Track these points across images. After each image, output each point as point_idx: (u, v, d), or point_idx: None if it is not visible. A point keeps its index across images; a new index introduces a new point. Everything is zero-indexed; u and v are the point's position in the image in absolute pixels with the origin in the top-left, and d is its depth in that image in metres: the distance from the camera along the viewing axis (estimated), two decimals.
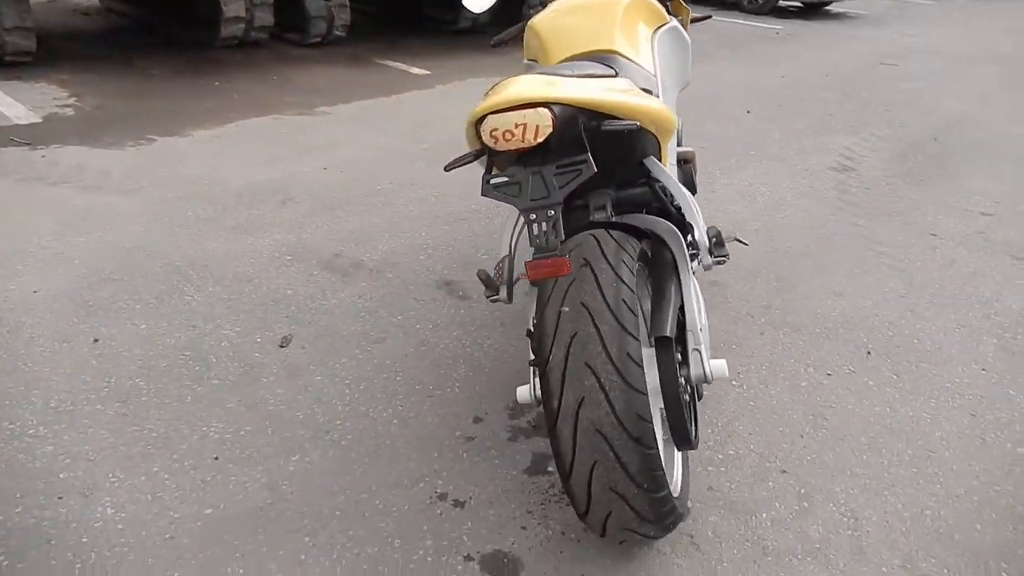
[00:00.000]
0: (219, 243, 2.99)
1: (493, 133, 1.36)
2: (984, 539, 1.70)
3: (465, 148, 1.56)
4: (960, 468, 1.91)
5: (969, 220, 3.42)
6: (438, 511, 1.75)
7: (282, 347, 2.36)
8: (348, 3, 6.06)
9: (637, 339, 1.40)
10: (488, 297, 1.79)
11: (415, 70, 5.81)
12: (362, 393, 2.15)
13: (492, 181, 1.43)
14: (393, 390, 2.17)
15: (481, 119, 1.38)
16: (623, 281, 1.44)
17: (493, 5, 2.45)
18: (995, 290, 2.79)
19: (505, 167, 1.45)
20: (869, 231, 3.27)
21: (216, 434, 1.97)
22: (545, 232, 1.38)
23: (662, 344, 1.48)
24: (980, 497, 1.82)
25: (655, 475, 1.39)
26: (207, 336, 2.39)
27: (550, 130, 1.36)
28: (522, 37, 2.31)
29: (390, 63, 6.05)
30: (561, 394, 1.37)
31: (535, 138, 1.36)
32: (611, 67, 1.84)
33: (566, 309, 1.40)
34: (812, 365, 2.32)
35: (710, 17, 2.85)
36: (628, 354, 1.37)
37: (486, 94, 1.46)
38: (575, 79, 1.52)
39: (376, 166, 3.85)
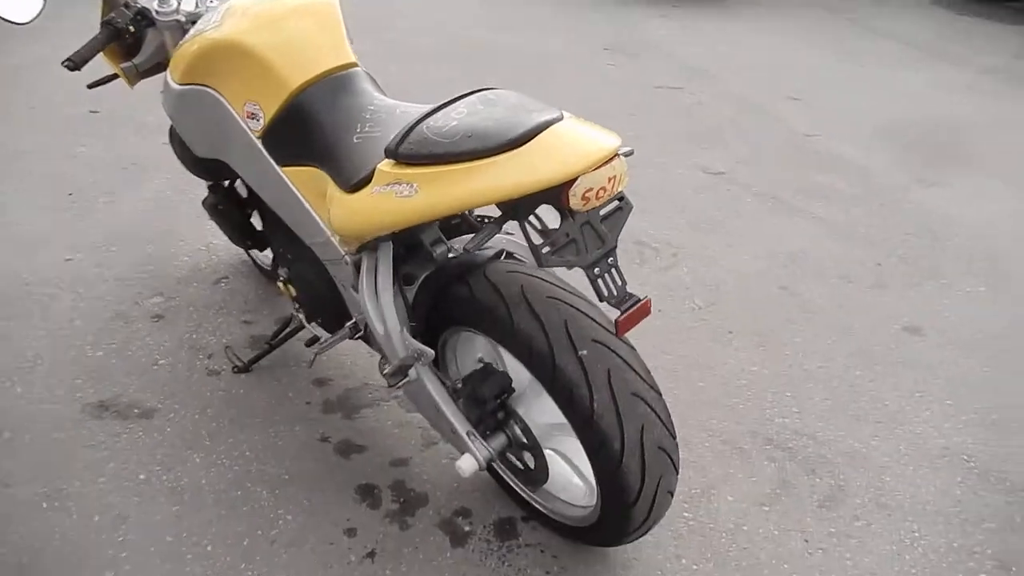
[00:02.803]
0: None
1: (587, 194, 1.24)
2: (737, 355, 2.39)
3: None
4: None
5: None
6: None
7: None
8: None
9: (634, 348, 1.52)
10: (399, 384, 1.58)
11: None
12: None
13: (549, 249, 1.30)
14: (225, 565, 1.67)
15: (564, 183, 1.22)
16: (590, 304, 1.51)
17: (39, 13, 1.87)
18: None
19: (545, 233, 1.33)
20: None
21: None
22: (614, 282, 1.35)
23: None
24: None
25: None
26: None
27: (627, 177, 1.30)
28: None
29: None
30: (622, 433, 1.42)
31: (619, 188, 1.29)
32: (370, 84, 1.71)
33: (584, 352, 1.42)
34: None
35: None
36: (644, 365, 1.50)
37: (500, 147, 1.27)
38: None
39: None
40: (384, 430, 2.08)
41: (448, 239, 1.59)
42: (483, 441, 1.62)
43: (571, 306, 1.48)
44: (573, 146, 1.25)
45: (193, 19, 1.97)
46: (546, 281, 1.52)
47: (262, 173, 1.79)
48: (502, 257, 1.65)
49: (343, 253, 1.70)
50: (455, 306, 1.58)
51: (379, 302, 1.59)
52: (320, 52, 1.70)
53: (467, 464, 1.59)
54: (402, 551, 1.75)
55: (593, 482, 1.69)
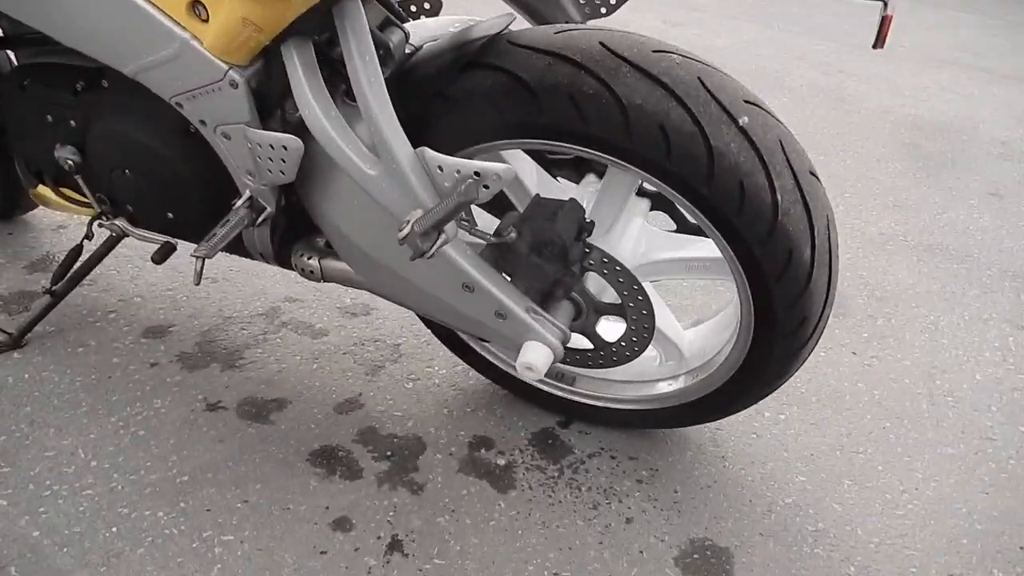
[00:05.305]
0: None
1: None
2: None
3: None
4: None
5: None
6: None
7: None
8: None
9: None
10: (433, 251, 0.93)
11: None
12: None
13: None
14: None
15: None
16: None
17: None
18: None
19: None
20: None
21: None
22: None
23: None
24: None
25: None
26: None
27: None
28: None
29: None
30: (813, 232, 0.95)
31: None
32: None
33: (746, 120, 0.91)
34: None
35: None
36: None
37: None
38: None
39: None
40: (295, 370, 1.37)
41: None
42: (551, 318, 1.04)
43: (689, 58, 0.94)
44: None
45: None
46: (625, 32, 0.96)
47: None
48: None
49: (225, 68, 0.96)
50: (484, 108, 0.95)
51: (370, 113, 0.90)
52: None
53: (538, 356, 1.01)
54: (436, 523, 1.11)
55: (681, 343, 1.21)
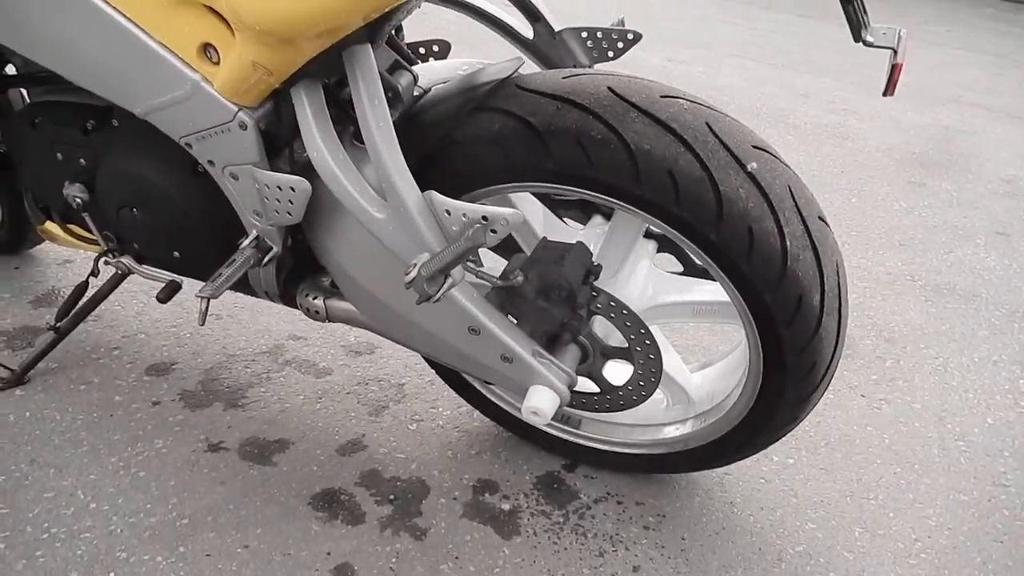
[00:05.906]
0: None
1: None
2: None
3: None
4: None
5: None
6: None
7: None
8: None
9: None
10: (438, 295, 0.91)
11: None
12: None
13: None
14: None
15: None
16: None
17: None
18: None
19: None
20: None
21: None
22: (864, 11, 0.87)
23: None
24: None
25: None
26: None
27: None
28: None
29: None
30: (822, 278, 0.95)
31: None
32: None
33: (755, 165, 0.91)
34: None
35: None
36: None
37: None
38: None
39: None
40: (298, 410, 1.35)
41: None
42: (557, 362, 1.03)
43: (696, 103, 0.95)
44: None
45: None
46: (633, 77, 0.97)
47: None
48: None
49: (235, 110, 0.96)
50: (492, 152, 0.95)
51: (378, 156, 0.91)
52: None
53: (544, 401, 1.00)
54: (439, 571, 1.09)
55: (689, 387, 1.19)
